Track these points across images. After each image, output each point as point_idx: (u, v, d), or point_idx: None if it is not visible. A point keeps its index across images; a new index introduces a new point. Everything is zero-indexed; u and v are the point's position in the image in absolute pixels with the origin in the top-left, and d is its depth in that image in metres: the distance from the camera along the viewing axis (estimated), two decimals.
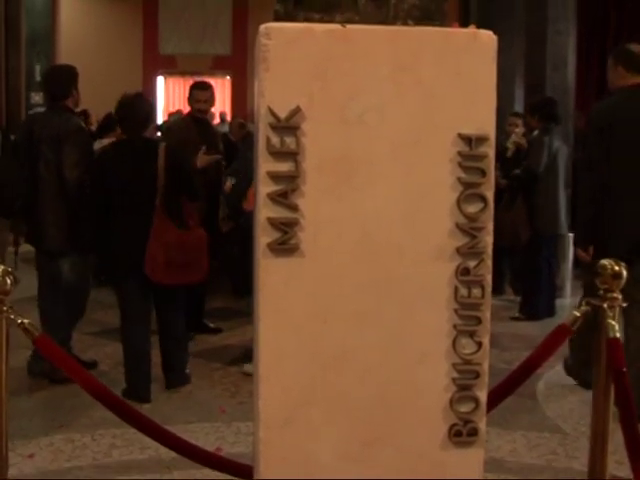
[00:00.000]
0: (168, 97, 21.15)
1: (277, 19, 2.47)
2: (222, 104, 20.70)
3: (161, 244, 5.55)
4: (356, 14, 2.41)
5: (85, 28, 20.78)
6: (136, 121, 5.83)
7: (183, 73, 21.23)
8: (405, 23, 2.41)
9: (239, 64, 20.54)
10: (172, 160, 5.73)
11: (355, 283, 2.35)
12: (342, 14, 2.41)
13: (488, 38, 2.38)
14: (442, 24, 2.49)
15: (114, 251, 5.76)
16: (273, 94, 2.27)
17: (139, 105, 6.00)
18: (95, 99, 17.51)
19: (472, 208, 2.38)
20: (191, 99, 7.59)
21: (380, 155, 2.33)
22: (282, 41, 2.27)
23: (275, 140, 2.27)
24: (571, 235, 9.65)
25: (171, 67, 21.15)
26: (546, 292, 8.60)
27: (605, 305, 3.18)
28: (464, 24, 10.91)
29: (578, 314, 3.24)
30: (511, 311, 8.62)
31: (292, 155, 2.27)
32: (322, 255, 2.32)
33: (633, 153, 5.33)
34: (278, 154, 2.27)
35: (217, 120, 16.87)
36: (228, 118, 18.03)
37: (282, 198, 2.28)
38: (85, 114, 12.18)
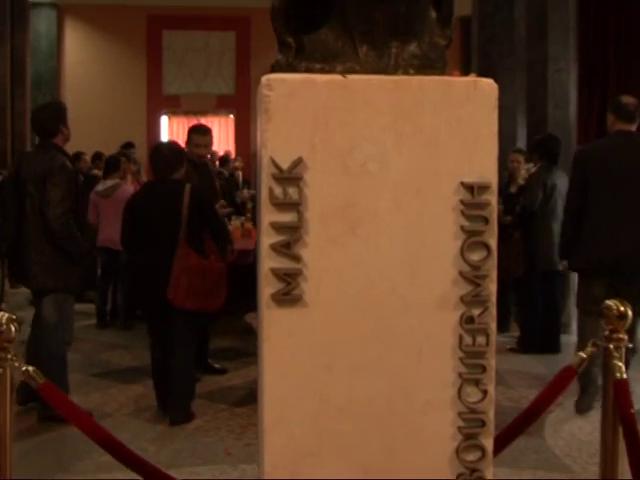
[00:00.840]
0: (172, 136, 21.20)
1: (279, 69, 2.47)
2: (226, 142, 20.80)
3: (183, 270, 5.91)
4: (357, 64, 2.41)
5: (90, 70, 20.93)
6: (163, 164, 6.26)
7: (187, 112, 21.32)
8: (406, 72, 2.41)
9: (242, 103, 20.62)
10: (196, 199, 6.14)
11: (359, 333, 2.35)
12: (343, 64, 2.41)
13: (489, 86, 2.39)
14: (443, 72, 2.49)
15: (141, 279, 6.23)
16: (275, 145, 2.28)
17: (166, 150, 6.46)
18: (100, 139, 17.65)
19: (475, 256, 2.37)
20: (190, 143, 7.59)
21: (383, 204, 2.33)
22: (284, 92, 2.28)
23: (278, 191, 2.27)
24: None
25: (175, 107, 21.24)
26: (544, 327, 8.61)
27: (611, 346, 3.17)
28: (464, 63, 11.00)
29: (584, 355, 3.23)
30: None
31: (295, 206, 2.28)
32: (326, 305, 2.32)
33: (609, 185, 6.10)
34: (281, 205, 2.27)
35: (220, 154, 16.94)
36: (232, 156, 18.12)
37: (285, 249, 2.28)
38: (77, 156, 12.29)
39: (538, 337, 8.58)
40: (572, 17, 10.98)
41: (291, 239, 2.28)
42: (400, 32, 2.43)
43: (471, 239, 2.36)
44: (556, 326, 8.74)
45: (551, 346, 8.50)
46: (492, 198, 2.37)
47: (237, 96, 21.20)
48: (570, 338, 8.99)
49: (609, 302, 3.25)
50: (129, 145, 14.49)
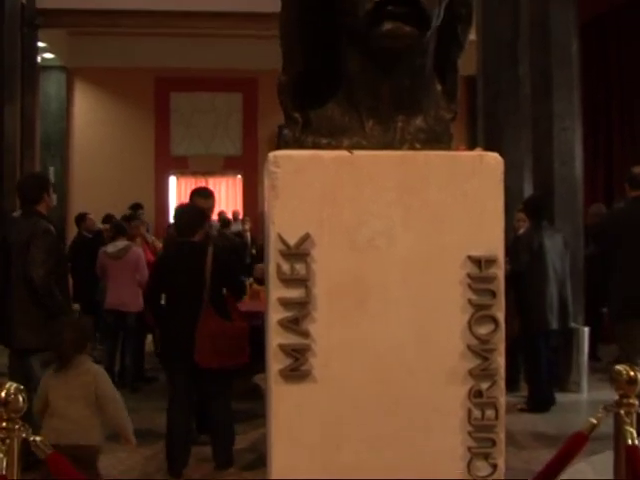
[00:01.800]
0: (180, 197, 21.28)
1: (285, 144, 2.49)
2: (234, 203, 20.89)
3: (207, 334, 6.01)
4: (363, 138, 2.43)
5: (98, 131, 21.07)
6: (185, 226, 6.43)
7: (195, 173, 21.40)
8: (412, 146, 2.43)
9: (250, 163, 20.70)
10: (219, 261, 6.28)
11: (368, 407, 2.34)
12: (350, 138, 2.43)
13: (494, 160, 2.40)
14: (449, 145, 2.51)
15: (165, 338, 6.40)
16: (283, 221, 2.29)
17: (188, 213, 6.63)
18: (108, 200, 17.73)
19: (483, 330, 2.37)
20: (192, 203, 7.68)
21: (390, 279, 2.34)
22: (291, 169, 2.30)
23: (285, 267, 2.28)
24: (586, 329, 9.65)
25: (183, 167, 21.33)
26: (546, 384, 8.61)
27: (622, 411, 3.14)
28: (470, 121, 11.03)
29: (595, 421, 3.19)
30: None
31: (303, 281, 2.29)
32: (334, 380, 2.32)
33: (631, 244, 6.87)
34: (289, 281, 2.28)
35: (229, 216, 17.00)
36: (241, 216, 18.19)
37: (293, 324, 2.28)
38: (81, 217, 12.45)
39: (545, 395, 8.55)
40: (576, 75, 11.06)
41: (299, 315, 2.28)
42: (405, 106, 2.45)
43: (479, 313, 2.36)
44: (551, 380, 8.75)
45: (550, 402, 8.53)
46: (499, 271, 2.38)
47: (244, 157, 21.30)
48: (581, 397, 8.95)
49: (619, 367, 3.23)
50: (137, 206, 14.55)
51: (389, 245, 2.33)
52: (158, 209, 20.69)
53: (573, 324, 9.54)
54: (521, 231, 9.21)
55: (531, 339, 8.61)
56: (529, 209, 8.98)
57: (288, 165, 2.30)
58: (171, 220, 18.77)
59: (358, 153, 2.34)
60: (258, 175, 19.97)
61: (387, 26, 2.27)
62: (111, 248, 9.77)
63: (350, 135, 2.43)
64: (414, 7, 2.26)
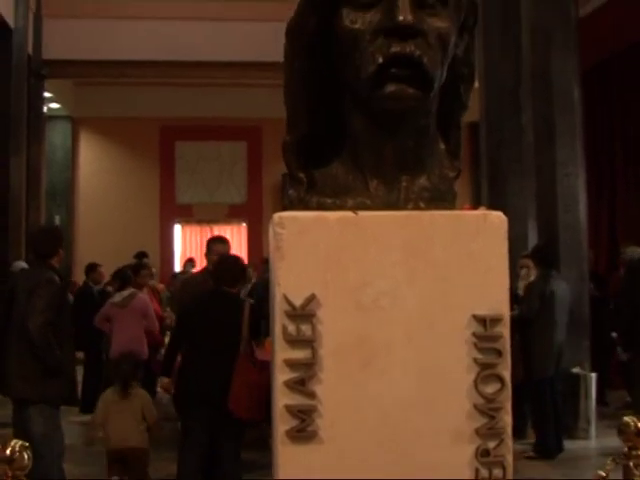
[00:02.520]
0: (185, 245, 21.38)
1: (291, 203, 2.51)
2: (239, 250, 20.93)
3: (245, 384, 6.13)
4: (368, 198, 2.44)
5: (104, 180, 21.21)
6: (229, 277, 6.53)
7: (200, 221, 21.52)
8: (416, 205, 2.44)
9: (255, 211, 20.83)
10: (255, 316, 6.44)
11: (375, 468, 2.33)
12: (354, 198, 2.44)
13: (498, 219, 2.42)
14: (453, 204, 2.53)
15: (189, 384, 6.40)
16: (288, 282, 2.30)
17: (233, 265, 6.75)
18: (113, 248, 17.79)
19: (489, 389, 2.37)
20: (209, 252, 7.78)
21: (396, 339, 2.34)
22: (295, 230, 2.31)
23: (291, 328, 2.29)
24: (593, 375, 9.63)
25: (188, 216, 21.45)
26: (554, 431, 8.59)
27: (631, 464, 3.12)
28: (474, 168, 11.15)
29: (603, 474, 3.17)
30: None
31: (308, 342, 2.29)
32: (341, 441, 2.31)
33: None
34: (294, 342, 2.29)
35: None
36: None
37: (299, 385, 2.28)
38: (92, 267, 12.46)
39: (553, 442, 8.52)
40: (579, 122, 11.13)
41: (305, 376, 2.29)
42: (410, 166, 2.46)
43: (485, 372, 2.36)
44: (558, 426, 8.73)
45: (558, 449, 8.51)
46: (505, 330, 2.38)
47: (249, 204, 21.41)
48: (589, 444, 8.91)
49: (627, 418, 3.21)
50: (142, 254, 14.59)
51: (394, 305, 2.33)
52: (163, 257, 20.76)
53: (580, 370, 9.54)
54: (531, 278, 9.24)
55: (536, 385, 8.61)
56: (538, 257, 9.02)
57: (293, 226, 2.31)
58: (176, 269, 18.83)
59: (363, 214, 2.36)
60: (263, 222, 20.09)
61: (390, 88, 2.30)
62: (118, 297, 9.80)
63: (354, 195, 2.45)
64: (417, 69, 2.29)
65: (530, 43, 11.38)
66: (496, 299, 2.39)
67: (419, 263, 2.35)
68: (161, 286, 14.01)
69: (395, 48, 2.28)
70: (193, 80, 18.95)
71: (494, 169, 12.96)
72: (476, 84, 12.49)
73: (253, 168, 21.39)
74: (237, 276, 6.61)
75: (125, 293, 9.76)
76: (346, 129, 2.51)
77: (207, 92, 19.97)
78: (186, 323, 6.60)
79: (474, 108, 13.38)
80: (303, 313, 2.29)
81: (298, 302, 2.29)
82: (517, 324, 8.61)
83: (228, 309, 6.41)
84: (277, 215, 2.34)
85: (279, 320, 2.29)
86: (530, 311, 8.55)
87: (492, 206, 13.05)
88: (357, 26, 2.34)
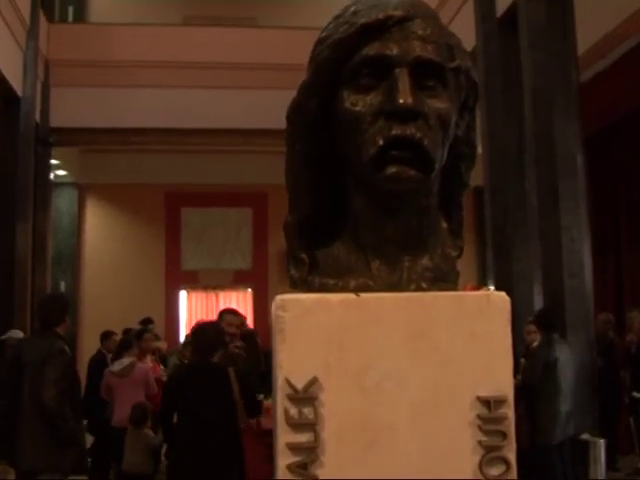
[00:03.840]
0: (190, 311, 21.38)
1: (293, 284, 2.51)
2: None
3: (261, 460, 6.18)
4: (370, 279, 2.44)
5: (109, 246, 21.29)
6: (205, 346, 6.46)
7: (205, 287, 21.53)
8: (419, 286, 2.43)
9: (260, 277, 20.85)
10: (243, 384, 6.39)
11: None
12: (356, 279, 2.43)
13: (501, 300, 2.41)
14: (455, 284, 2.52)
15: (181, 456, 6.31)
16: (290, 365, 2.29)
17: (211, 332, 6.66)
18: (119, 314, 17.77)
19: (494, 471, 2.34)
20: (222, 321, 7.88)
21: (399, 421, 2.32)
22: (298, 313, 2.31)
23: (293, 411, 2.27)
24: (602, 441, 9.54)
25: (193, 282, 21.47)
26: None
27: None
28: (478, 233, 11.22)
29: None
30: None
31: (311, 426, 2.27)
32: None
33: None
34: (297, 425, 2.26)
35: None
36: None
37: (301, 469, 2.26)
38: (107, 335, 12.36)
39: None
40: (582, 187, 11.19)
41: (307, 460, 2.26)
42: (412, 246, 2.47)
43: (490, 454, 2.33)
44: None
45: None
46: (509, 411, 2.36)
47: (254, 270, 21.45)
48: None
49: None
50: (148, 321, 14.59)
51: (397, 387, 2.32)
52: (168, 323, 20.75)
53: (589, 436, 9.46)
54: (535, 344, 9.22)
55: (544, 453, 8.53)
56: (541, 322, 9.02)
57: (295, 309, 2.31)
58: (182, 334, 18.76)
59: (365, 296, 2.35)
60: (268, 288, 20.12)
61: (391, 170, 2.30)
62: (117, 366, 9.75)
63: (357, 276, 2.45)
64: (418, 151, 2.30)
65: (532, 109, 11.47)
66: (500, 380, 2.37)
67: (422, 345, 2.34)
68: (164, 344, 13.93)
69: (396, 130, 2.29)
70: (198, 147, 19.09)
71: (499, 234, 13.00)
72: (480, 149, 12.62)
73: (259, 234, 21.45)
74: (214, 343, 6.50)
75: (125, 362, 9.73)
76: (348, 209, 2.52)
77: (212, 159, 20.12)
78: (169, 401, 6.50)
79: (478, 173, 13.47)
80: (305, 396, 2.27)
81: (300, 385, 2.27)
82: (521, 391, 8.57)
83: (214, 382, 6.30)
84: (279, 297, 2.34)
85: (281, 403, 2.27)
86: (533, 378, 8.50)
87: (498, 271, 13.07)
88: (358, 108, 2.36)
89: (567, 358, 8.84)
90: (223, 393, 6.21)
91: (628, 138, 15.01)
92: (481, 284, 18.36)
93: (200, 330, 6.87)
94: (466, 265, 20.37)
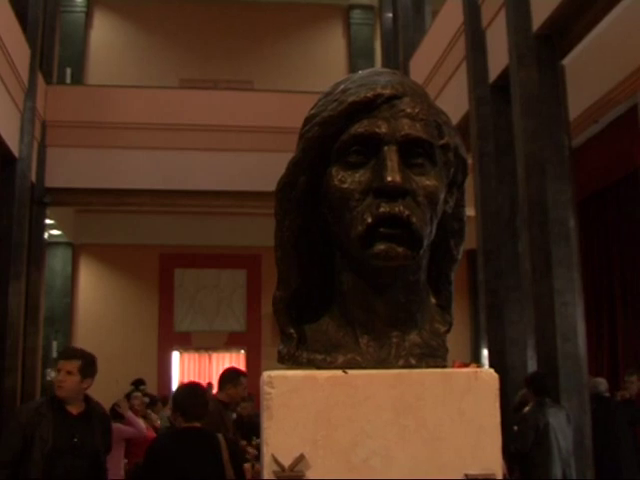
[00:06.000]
0: (183, 372, 21.28)
1: (280, 359, 2.50)
2: None
3: None
4: (358, 354, 2.43)
5: (102, 306, 21.26)
6: (194, 410, 6.06)
7: (198, 349, 21.47)
8: (407, 362, 2.43)
9: (253, 339, 20.82)
10: (232, 453, 6.05)
11: None
12: (345, 355, 2.43)
13: (489, 377, 2.41)
14: (444, 359, 2.52)
15: None
16: (277, 442, 2.28)
17: (196, 395, 6.22)
18: (111, 375, 17.65)
19: None
20: (239, 384, 7.84)
21: None
22: (285, 389, 2.30)
23: None
24: None
25: (186, 344, 21.42)
26: None
27: None
28: (471, 296, 11.20)
29: None
30: None
31: None
32: None
33: None
34: None
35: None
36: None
37: None
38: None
39: None
40: (575, 251, 11.21)
41: None
42: (400, 322, 2.47)
43: None
44: None
45: None
46: None
47: (248, 332, 21.42)
48: None
49: None
50: (140, 382, 14.50)
51: (385, 465, 2.30)
52: (161, 385, 20.64)
53: None
54: (526, 409, 9.19)
55: None
56: (533, 386, 9.00)
57: (282, 385, 2.30)
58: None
59: (352, 373, 2.35)
60: (261, 350, 20.05)
61: (379, 247, 2.31)
62: None
63: (345, 351, 2.44)
64: (406, 229, 2.31)
65: (524, 173, 11.54)
66: (488, 458, 2.36)
67: (410, 422, 2.33)
68: (154, 416, 13.80)
69: (384, 208, 2.30)
70: (192, 208, 19.16)
71: (492, 298, 13.00)
72: (472, 213, 12.67)
73: (252, 296, 21.44)
74: (203, 409, 6.15)
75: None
76: (336, 284, 2.53)
77: (206, 220, 20.19)
78: (156, 463, 5.97)
79: (471, 236, 13.52)
80: (292, 474, 2.26)
81: (287, 462, 2.26)
82: (514, 458, 8.53)
83: (203, 449, 5.93)
84: (266, 374, 2.34)
85: None
86: (525, 444, 8.43)
87: (491, 335, 13.04)
88: (346, 185, 2.37)
89: (560, 423, 8.78)
90: (216, 460, 5.93)
91: (621, 202, 15.11)
92: (472, 357, 18.35)
93: (183, 393, 6.39)
94: (462, 328, 20.33)
